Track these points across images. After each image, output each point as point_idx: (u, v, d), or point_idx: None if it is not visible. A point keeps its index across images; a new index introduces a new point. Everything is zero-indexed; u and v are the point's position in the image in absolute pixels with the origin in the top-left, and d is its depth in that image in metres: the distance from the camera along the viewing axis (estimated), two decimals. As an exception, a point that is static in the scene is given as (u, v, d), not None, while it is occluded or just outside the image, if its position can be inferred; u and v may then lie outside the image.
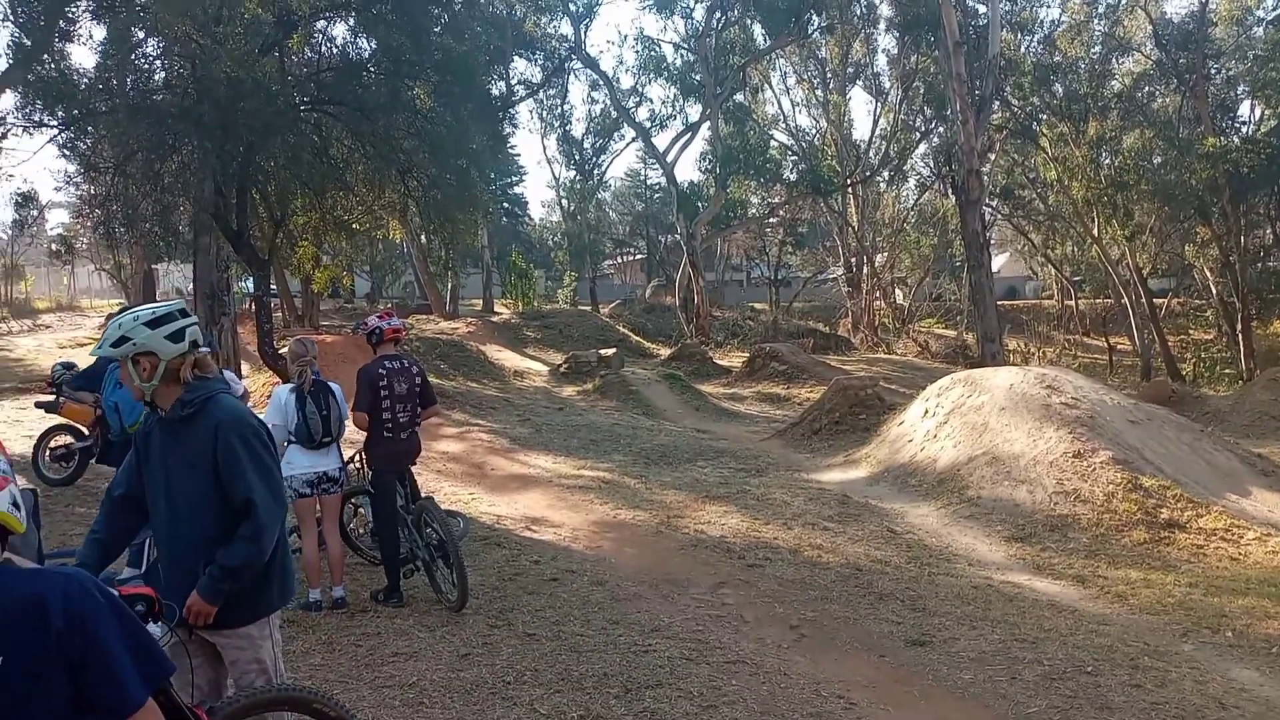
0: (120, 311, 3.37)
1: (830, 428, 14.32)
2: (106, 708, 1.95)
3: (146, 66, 14.37)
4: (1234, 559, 7.79)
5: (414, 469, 6.87)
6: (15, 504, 1.99)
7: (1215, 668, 5.62)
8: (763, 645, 5.82)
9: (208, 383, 3.23)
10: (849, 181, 36.55)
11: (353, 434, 6.66)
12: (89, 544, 3.27)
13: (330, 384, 6.23)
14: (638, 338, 32.95)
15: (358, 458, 6.90)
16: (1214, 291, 31.46)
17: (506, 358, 26.05)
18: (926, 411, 11.88)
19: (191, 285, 16.59)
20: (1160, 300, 33.18)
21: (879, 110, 38.64)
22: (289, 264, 25.18)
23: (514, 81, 33.43)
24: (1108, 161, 30.09)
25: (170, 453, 3.19)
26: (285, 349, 9.01)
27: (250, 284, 21.55)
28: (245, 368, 17.57)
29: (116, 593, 2.35)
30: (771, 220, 43.73)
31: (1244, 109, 32.09)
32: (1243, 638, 6.08)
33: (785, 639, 6.00)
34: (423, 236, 32.12)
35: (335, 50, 16.59)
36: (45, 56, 13.60)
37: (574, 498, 10.32)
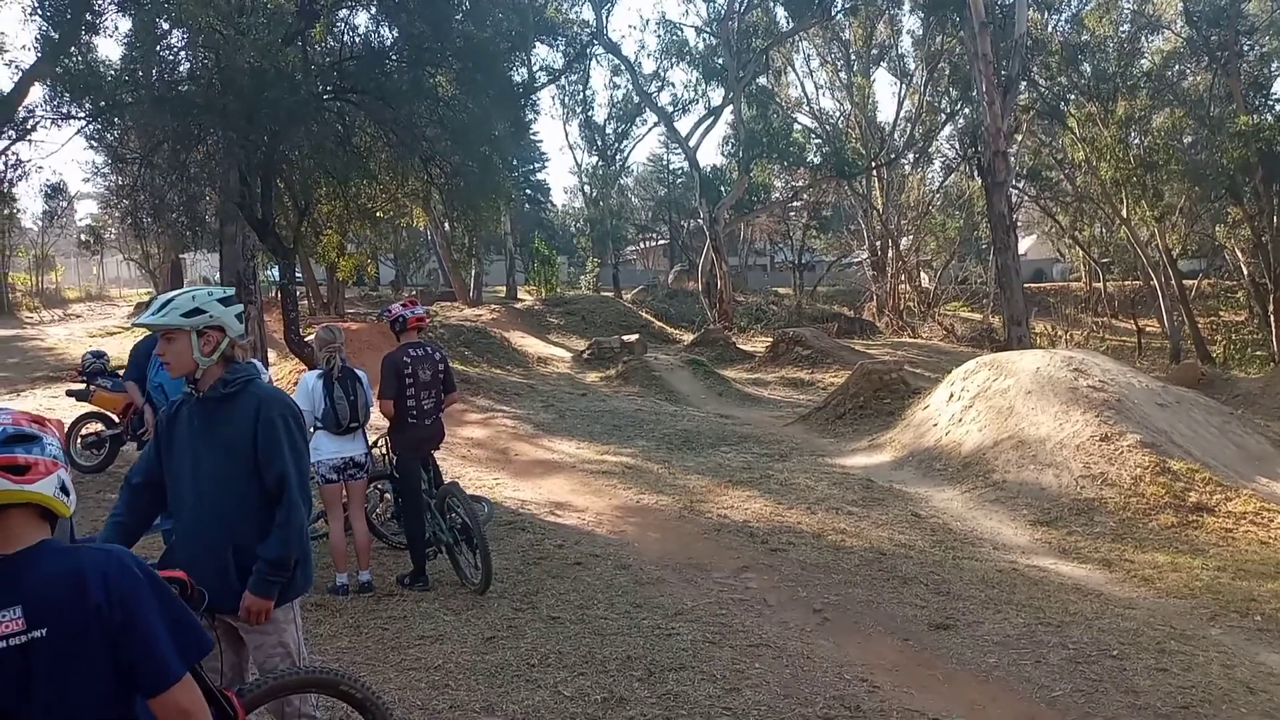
0: (154, 298, 3.42)
1: (854, 412, 14.27)
2: (146, 681, 2.00)
3: (171, 58, 14.46)
4: (1264, 543, 7.70)
5: (438, 455, 6.93)
6: (64, 488, 2.03)
7: (1243, 652, 5.57)
8: (785, 628, 5.83)
9: (245, 366, 3.30)
10: (873, 164, 36.29)
11: (377, 419, 6.72)
12: (111, 526, 3.30)
13: (357, 370, 6.29)
14: (660, 323, 32.95)
15: (382, 443, 6.97)
16: (1245, 272, 30.97)
17: (530, 344, 26.14)
18: (952, 395, 11.81)
19: (218, 274, 16.74)
20: (1190, 282, 32.73)
21: (904, 92, 38.37)
22: (314, 252, 25.34)
23: (536, 68, 33.39)
24: (1137, 141, 29.68)
25: (202, 434, 3.21)
26: (311, 337, 9.09)
27: (276, 273, 21.71)
28: (272, 355, 17.74)
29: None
30: (795, 204, 43.53)
31: (1277, 86, 31.58)
32: (1272, 621, 6.02)
33: (808, 622, 6.01)
34: (446, 224, 32.24)
35: (357, 39, 16.61)
36: (72, 49, 13.75)
37: (597, 483, 10.36)
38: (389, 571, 6.60)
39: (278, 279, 18.91)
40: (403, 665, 4.99)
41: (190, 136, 13.99)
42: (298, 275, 24.23)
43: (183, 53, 14.67)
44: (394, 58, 15.47)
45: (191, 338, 3.16)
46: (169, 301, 3.19)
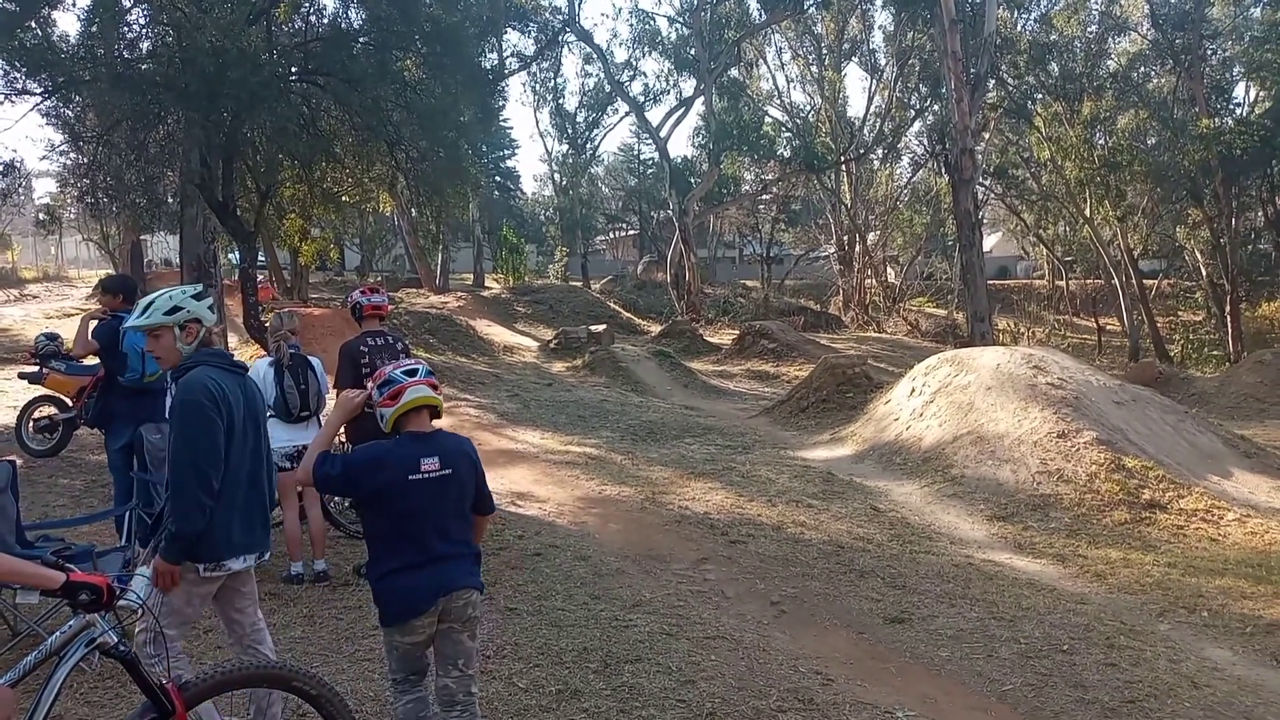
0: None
1: (817, 406, 14.35)
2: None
3: (132, 35, 14.18)
4: (1213, 540, 7.85)
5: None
6: None
7: (1190, 647, 5.67)
8: (743, 621, 5.85)
9: (211, 353, 3.69)
10: (843, 159, 36.45)
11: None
12: None
13: (310, 358, 6.21)
14: (628, 314, 32.93)
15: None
16: (1204, 273, 31.55)
17: (496, 333, 26.02)
18: (913, 390, 11.91)
19: (178, 256, 16.48)
20: (1150, 281, 33.29)
21: (874, 87, 38.54)
22: (276, 236, 25.03)
23: (506, 54, 33.21)
24: (1101, 142, 30.10)
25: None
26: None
27: (237, 256, 21.42)
28: (233, 339, 17.51)
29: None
30: (764, 197, 43.67)
31: (1239, 91, 32.13)
32: (1218, 617, 6.13)
33: (765, 615, 6.03)
34: (412, 210, 31.95)
35: (324, 20, 16.40)
36: (30, 23, 13.42)
37: (560, 473, 10.33)
38: (345, 560, 6.52)
39: (239, 263, 18.64)
40: (356, 656, 4.94)
41: (150, 116, 13.72)
42: (260, 259, 23.93)
43: (143, 30, 14.40)
44: (361, 40, 15.27)
45: (175, 332, 3.60)
46: (151, 303, 3.59)
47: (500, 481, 9.84)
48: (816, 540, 7.78)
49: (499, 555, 6.94)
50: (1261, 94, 29.84)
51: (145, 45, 14.30)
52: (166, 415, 6.38)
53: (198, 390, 3.49)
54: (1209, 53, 29.55)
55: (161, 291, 3.68)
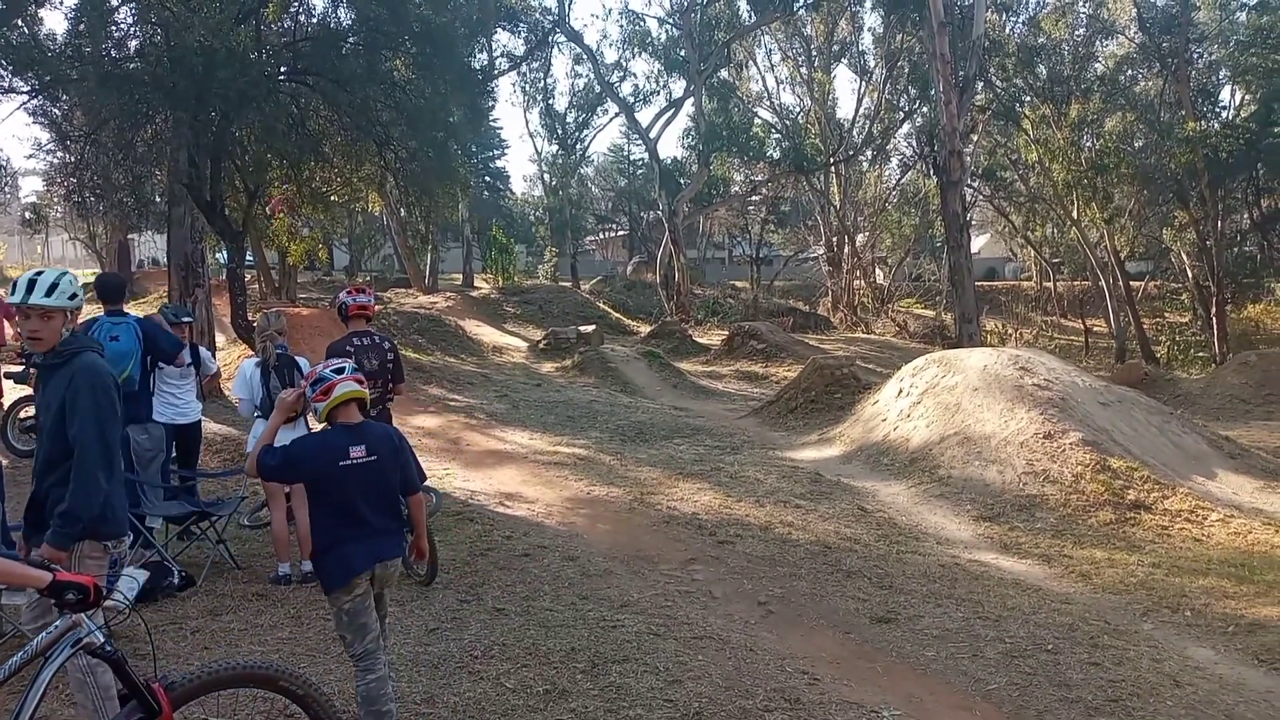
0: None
1: (806, 406, 14.39)
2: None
3: (119, 34, 14.11)
4: (1197, 540, 7.92)
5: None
6: None
7: (1173, 646, 5.72)
8: (730, 621, 5.87)
9: (78, 338, 3.71)
10: (832, 160, 36.52)
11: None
12: None
13: (297, 358, 6.21)
14: (618, 315, 32.94)
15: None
16: (1190, 275, 31.73)
17: (485, 333, 25.99)
18: (901, 391, 11.95)
19: (165, 256, 16.42)
20: (1137, 283, 33.44)
21: (863, 89, 38.61)
22: (265, 236, 24.94)
23: (496, 54, 33.13)
24: (1089, 144, 30.22)
25: (41, 396, 3.72)
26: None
27: (225, 256, 21.34)
28: (220, 339, 17.44)
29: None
30: (754, 198, 43.69)
31: (1225, 94, 32.32)
32: (1201, 617, 6.19)
33: (753, 615, 6.06)
34: (401, 210, 31.87)
35: (313, 20, 16.33)
36: (17, 21, 13.34)
37: (549, 474, 10.33)
38: (333, 561, 6.53)
39: (227, 262, 18.57)
40: (343, 657, 4.87)
41: (138, 115, 13.64)
42: (248, 259, 23.85)
43: (131, 29, 14.32)
44: (350, 40, 15.23)
45: (66, 317, 3.60)
46: (55, 284, 3.53)
47: (488, 482, 9.86)
48: (804, 540, 7.81)
49: (487, 556, 6.95)
50: (1247, 97, 30.04)
51: (133, 44, 14.23)
52: (151, 414, 6.41)
53: (106, 375, 3.60)
54: (1195, 56, 29.70)
55: (60, 271, 3.62)
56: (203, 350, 7.23)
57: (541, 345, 23.87)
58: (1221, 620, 6.12)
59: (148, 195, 15.33)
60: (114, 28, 13.79)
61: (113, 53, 13.69)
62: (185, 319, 6.96)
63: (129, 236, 35.57)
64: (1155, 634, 5.93)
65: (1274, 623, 6.00)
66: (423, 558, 4.73)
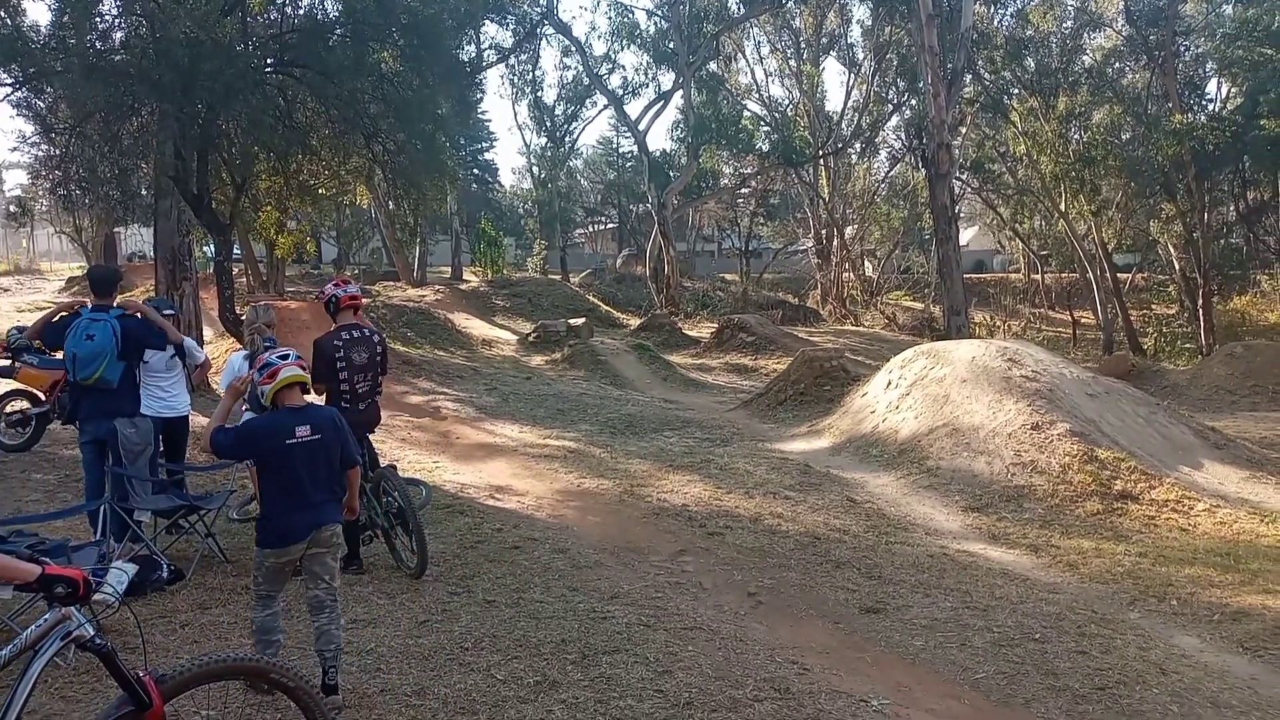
0: None
1: (795, 398, 14.42)
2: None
3: (104, 25, 14.00)
4: (1183, 530, 7.97)
5: (381, 437, 6.84)
6: None
7: (1159, 635, 5.77)
8: (720, 612, 5.89)
9: None
10: (821, 153, 36.58)
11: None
12: None
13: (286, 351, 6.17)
14: (607, 307, 32.93)
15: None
16: (1177, 267, 31.90)
17: (474, 326, 25.95)
18: (890, 383, 11.99)
19: (152, 249, 16.34)
20: (1124, 275, 33.61)
21: (852, 82, 38.66)
22: (252, 229, 24.83)
23: (484, 46, 33.06)
24: (1076, 137, 30.32)
25: None
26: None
27: (212, 249, 21.25)
28: (208, 333, 17.36)
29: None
30: (743, 191, 43.79)
31: (1211, 86, 32.44)
32: (1186, 606, 6.23)
33: (742, 606, 6.08)
34: (390, 202, 31.77)
35: (299, 11, 16.23)
36: (0, 13, 13.23)
37: (539, 466, 10.34)
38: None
39: (214, 256, 18.49)
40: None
41: (123, 107, 13.54)
42: (235, 252, 23.74)
43: (116, 20, 14.21)
44: (337, 32, 15.14)
45: None
46: None
47: (479, 475, 9.86)
48: (793, 531, 7.84)
49: (478, 548, 6.96)
50: (1233, 90, 30.16)
51: (118, 36, 14.11)
52: (139, 408, 6.38)
53: None
54: (1182, 49, 29.82)
55: None
56: (188, 341, 7.18)
57: (531, 338, 23.85)
58: (1207, 609, 6.17)
59: (134, 188, 15.22)
60: (98, 19, 13.68)
61: (97, 44, 13.57)
62: (168, 311, 6.92)
63: (115, 230, 35.33)
64: (1142, 623, 5.97)
65: (1258, 611, 6.06)
66: (353, 514, 5.00)
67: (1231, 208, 30.70)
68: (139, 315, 6.45)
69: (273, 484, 4.29)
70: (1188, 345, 29.04)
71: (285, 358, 4.33)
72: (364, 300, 6.74)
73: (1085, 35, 32.44)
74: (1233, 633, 5.81)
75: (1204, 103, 31.05)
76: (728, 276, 46.28)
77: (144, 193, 15.50)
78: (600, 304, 33.18)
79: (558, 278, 39.85)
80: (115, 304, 6.45)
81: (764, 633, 5.57)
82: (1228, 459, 9.89)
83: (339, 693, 4.28)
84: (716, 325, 26.11)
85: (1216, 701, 4.84)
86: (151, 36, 12.80)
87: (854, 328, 31.44)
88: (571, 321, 24.54)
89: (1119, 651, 5.40)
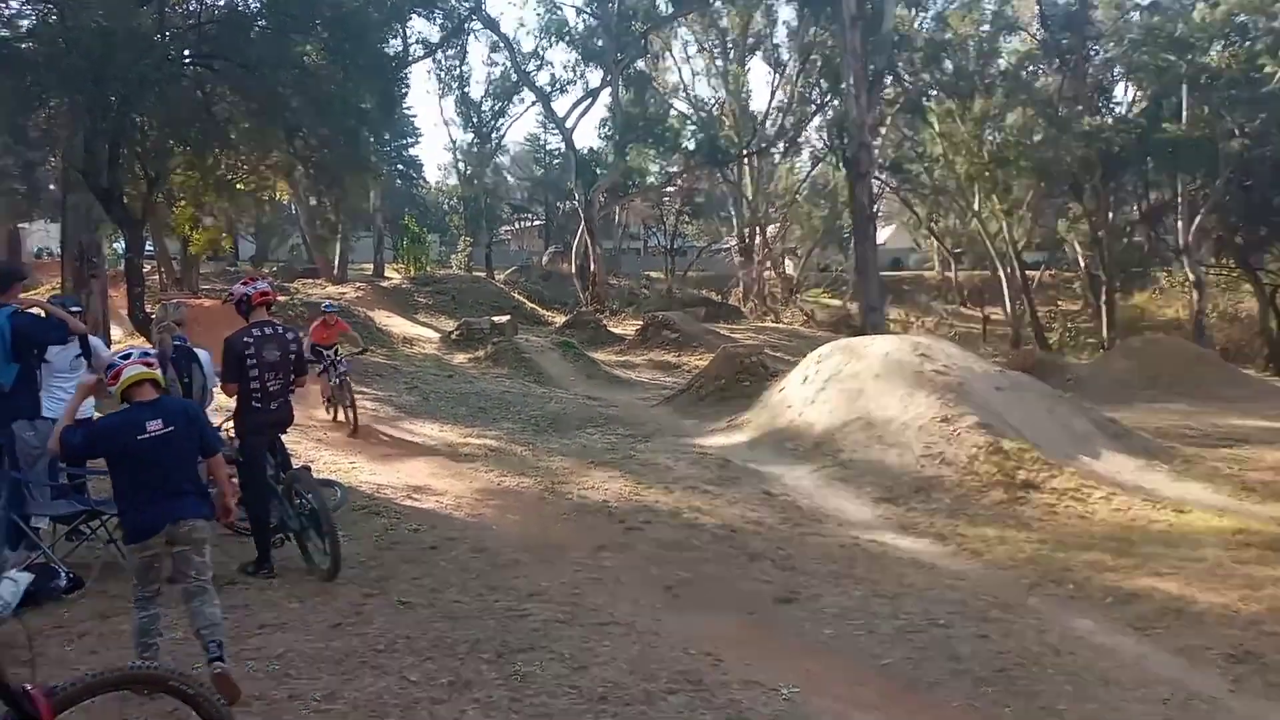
0: None
1: (716, 394, 14.61)
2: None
3: (10, 12, 13.49)
4: (1082, 517, 8.28)
5: (295, 438, 6.74)
6: None
7: (1056, 618, 6.01)
8: (637, 606, 5.96)
9: None
10: (745, 152, 36.93)
11: (225, 401, 6.50)
12: None
13: (197, 350, 6.07)
14: (533, 305, 32.80)
15: (228, 426, 6.73)
16: (1082, 265, 33.11)
17: (395, 324, 25.61)
18: (806, 378, 12.20)
19: (59, 246, 15.78)
20: (1033, 273, 34.69)
21: (777, 82, 39.03)
22: (166, 224, 24.11)
23: (411, 41, 32.54)
24: (991, 138, 31.17)
25: None
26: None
27: (123, 245, 20.59)
28: (117, 332, 16.82)
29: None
30: (669, 189, 43.95)
31: (1119, 90, 33.59)
32: (1082, 589, 6.50)
33: (659, 600, 6.16)
34: (311, 198, 31.17)
35: (219, 2, 15.83)
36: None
37: (459, 465, 10.29)
38: (232, 559, 6.37)
39: (124, 252, 17.93)
40: (241, 656, 4.82)
41: (30, 98, 13.06)
42: (148, 249, 23.03)
43: (24, 7, 13.71)
44: (259, 24, 14.82)
45: None
46: None
47: (396, 475, 9.76)
48: (710, 525, 7.95)
49: (393, 549, 6.91)
50: (1139, 94, 31.33)
51: (25, 23, 13.62)
52: (39, 410, 6.17)
53: None
54: (1093, 53, 30.79)
55: None
56: (94, 339, 6.94)
57: (454, 336, 23.62)
58: (1101, 592, 6.44)
59: (40, 182, 14.71)
60: (4, 6, 13.20)
61: (3, 32, 13.08)
62: (75, 309, 6.69)
63: (19, 225, 33.88)
64: (1040, 607, 6.21)
65: (1148, 592, 6.35)
66: (228, 515, 5.01)
67: (1134, 207, 31.94)
68: (33, 311, 6.19)
69: (125, 480, 4.34)
70: (1091, 340, 30.17)
71: (128, 357, 4.44)
72: (277, 296, 6.62)
73: (1002, 38, 33.32)
74: (1124, 614, 6.07)
75: (1112, 106, 32.18)
76: (653, 274, 46.47)
77: (51, 187, 15.00)
78: (525, 301, 33.03)
79: (482, 275, 39.52)
80: (13, 302, 6.20)
81: (679, 625, 5.66)
82: (1124, 448, 10.30)
83: (226, 661, 4.29)
84: (641, 322, 26.23)
85: (1108, 679, 5.07)
86: (62, 25, 12.37)
87: (774, 325, 31.88)
88: (495, 319, 24.38)
89: (1018, 635, 5.61)
